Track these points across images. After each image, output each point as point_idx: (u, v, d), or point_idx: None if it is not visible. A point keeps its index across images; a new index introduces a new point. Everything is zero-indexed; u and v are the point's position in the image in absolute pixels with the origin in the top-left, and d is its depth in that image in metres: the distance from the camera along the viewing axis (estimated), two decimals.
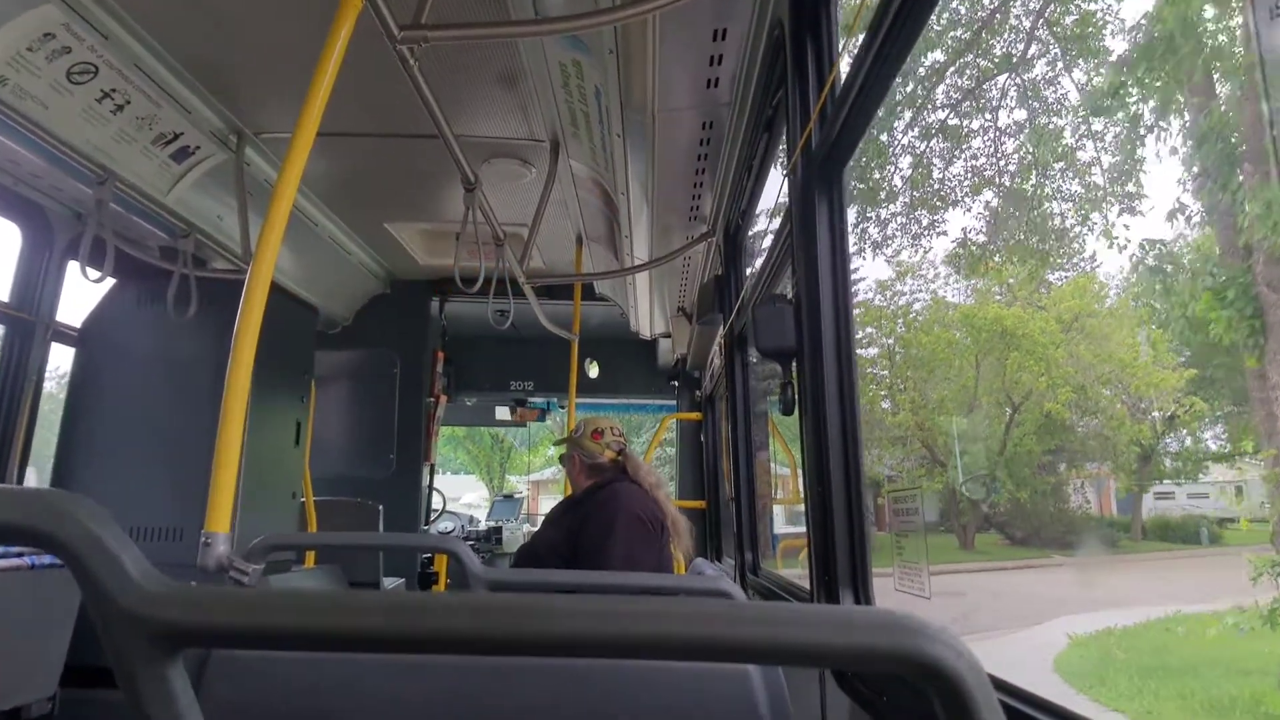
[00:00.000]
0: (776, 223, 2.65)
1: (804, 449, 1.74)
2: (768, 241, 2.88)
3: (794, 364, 1.94)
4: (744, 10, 2.17)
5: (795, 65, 1.88)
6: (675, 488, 5.99)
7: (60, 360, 3.50)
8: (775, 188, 3.30)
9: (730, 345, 3.67)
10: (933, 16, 1.33)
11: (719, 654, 0.47)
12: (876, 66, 1.39)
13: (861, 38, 1.45)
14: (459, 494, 23.30)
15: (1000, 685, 1.09)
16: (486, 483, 27.90)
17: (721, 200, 3.31)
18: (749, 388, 3.67)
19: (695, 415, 5.74)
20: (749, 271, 3.41)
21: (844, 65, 1.67)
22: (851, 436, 1.61)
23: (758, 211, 3.25)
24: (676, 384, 6.22)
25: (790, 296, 1.93)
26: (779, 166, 2.59)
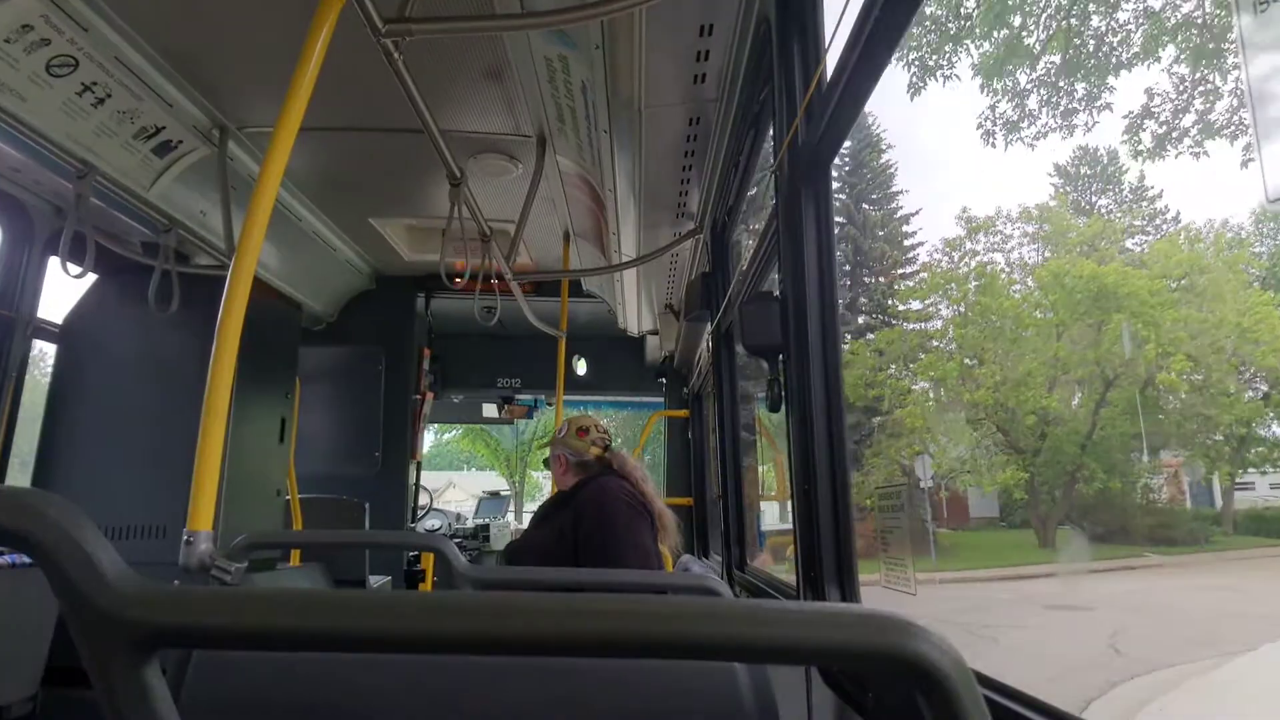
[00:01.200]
0: (764, 219, 2.65)
1: (790, 446, 1.74)
2: (755, 238, 2.88)
3: (780, 361, 1.94)
4: (730, 6, 2.16)
5: (781, 61, 1.87)
6: (663, 485, 5.99)
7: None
8: (762, 184, 3.31)
9: (718, 342, 3.67)
10: (920, 10, 1.33)
11: (705, 652, 0.47)
12: (863, 62, 1.39)
13: (848, 34, 1.45)
14: (482, 489, 23.36)
15: (985, 681, 1.09)
16: (507, 477, 27.97)
17: (709, 197, 3.31)
18: (736, 385, 3.67)
19: (682, 412, 5.74)
20: (737, 268, 3.41)
21: (831, 61, 1.67)
22: (837, 433, 1.61)
23: (745, 208, 3.25)
24: (664, 381, 6.22)
25: (777, 294, 1.93)
26: (766, 163, 2.59)
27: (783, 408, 1.87)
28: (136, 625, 0.47)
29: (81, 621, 0.47)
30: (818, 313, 1.67)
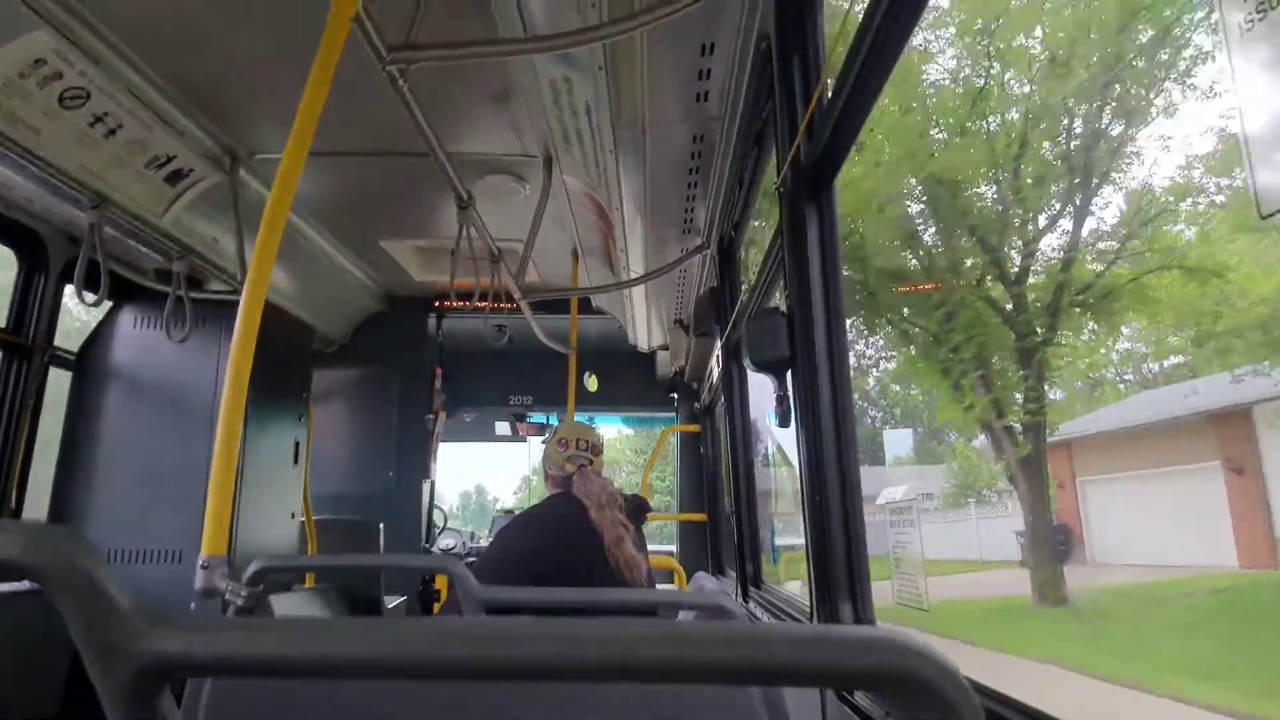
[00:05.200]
0: (770, 234, 2.65)
1: (800, 462, 1.74)
2: (762, 253, 2.89)
3: (789, 376, 1.94)
4: (731, 25, 2.18)
5: (782, 79, 1.89)
6: (675, 501, 5.97)
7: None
8: (768, 199, 3.32)
9: (728, 357, 3.67)
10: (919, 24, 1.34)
11: (699, 677, 0.47)
12: (863, 78, 1.40)
13: (847, 50, 1.46)
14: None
15: (982, 690, 1.09)
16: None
17: (715, 213, 3.32)
18: (747, 399, 3.67)
19: (694, 427, 5.73)
20: (745, 283, 3.41)
21: (832, 77, 1.68)
22: (847, 449, 1.61)
23: (751, 223, 3.26)
24: (675, 396, 6.21)
25: (783, 309, 1.93)
26: (771, 178, 2.60)
27: (792, 424, 1.87)
28: (148, 656, 0.48)
29: (94, 653, 0.48)
30: (824, 327, 1.68)
